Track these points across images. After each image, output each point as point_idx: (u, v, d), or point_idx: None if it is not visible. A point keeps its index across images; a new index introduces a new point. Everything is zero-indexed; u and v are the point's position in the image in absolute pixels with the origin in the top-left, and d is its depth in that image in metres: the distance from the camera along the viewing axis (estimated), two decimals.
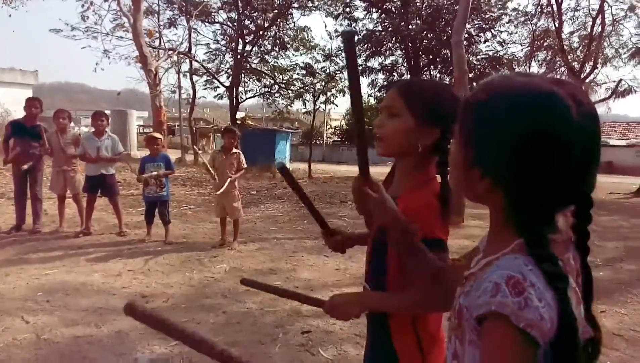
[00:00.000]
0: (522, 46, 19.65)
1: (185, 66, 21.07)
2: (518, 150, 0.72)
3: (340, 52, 18.54)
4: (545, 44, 19.40)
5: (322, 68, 19.15)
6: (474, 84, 15.77)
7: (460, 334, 0.80)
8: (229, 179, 5.75)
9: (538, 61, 20.33)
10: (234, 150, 5.93)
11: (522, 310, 0.67)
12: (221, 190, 5.70)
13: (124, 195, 7.07)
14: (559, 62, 19.13)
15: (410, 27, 15.85)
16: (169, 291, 4.30)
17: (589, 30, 17.77)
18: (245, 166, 6.04)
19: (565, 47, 17.70)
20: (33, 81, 28.36)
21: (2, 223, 6.56)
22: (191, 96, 21.32)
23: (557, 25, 17.25)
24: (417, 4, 16.89)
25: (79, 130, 6.68)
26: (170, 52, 17.21)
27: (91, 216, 6.46)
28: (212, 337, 3.31)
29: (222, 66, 20.82)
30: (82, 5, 16.59)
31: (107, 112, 7.30)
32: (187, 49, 19.64)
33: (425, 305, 1.21)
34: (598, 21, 16.93)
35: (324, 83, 18.53)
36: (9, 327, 3.43)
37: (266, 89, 20.87)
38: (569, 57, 17.76)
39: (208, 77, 20.63)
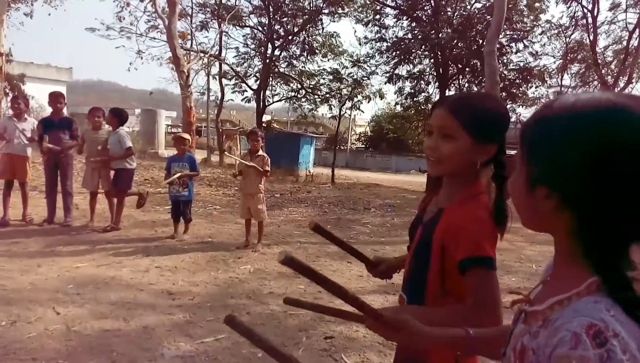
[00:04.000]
0: (554, 58, 19.34)
1: (215, 69, 21.40)
2: (589, 159, 0.66)
3: (367, 58, 18.60)
4: (578, 57, 19.02)
5: (349, 74, 19.23)
6: (504, 94, 15.62)
7: None
8: (249, 163, 5.84)
9: (571, 74, 19.96)
10: (260, 153, 6.00)
11: None
12: (238, 159, 5.75)
13: (152, 193, 7.20)
14: (592, 76, 18.75)
15: (440, 35, 15.74)
16: (194, 289, 4.37)
17: (624, 44, 17.37)
18: (268, 169, 6.08)
19: (599, 61, 17.35)
20: (67, 78, 29.16)
21: (35, 215, 6.75)
22: (219, 98, 21.62)
23: (591, 38, 16.94)
24: (448, 13, 16.79)
25: (108, 127, 6.89)
26: (201, 54, 17.49)
27: (121, 212, 6.62)
28: (236, 337, 3.36)
29: (250, 69, 21.15)
30: (118, 6, 17.04)
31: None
32: (217, 52, 19.94)
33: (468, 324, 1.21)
34: (635, 35, 16.55)
35: (350, 89, 18.56)
36: (41, 317, 3.53)
37: (293, 94, 21.05)
38: (603, 72, 17.39)
39: (237, 80, 20.93)
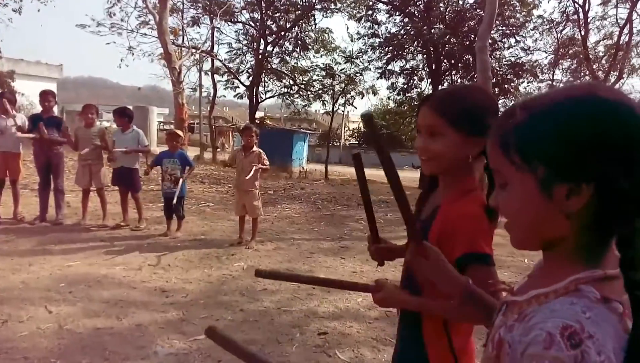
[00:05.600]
0: (546, 53, 19.42)
1: (207, 65, 21.28)
2: (603, 139, 0.66)
3: (360, 54, 18.57)
4: (570, 52, 19.12)
5: (342, 70, 19.21)
6: (496, 90, 15.67)
7: None
8: (253, 168, 5.75)
9: (562, 69, 20.05)
10: (254, 148, 5.98)
11: None
12: (250, 176, 5.71)
13: (144, 190, 7.17)
14: (583, 71, 18.85)
15: (432, 31, 15.75)
16: (188, 286, 4.35)
17: (615, 39, 17.48)
18: (267, 163, 6.06)
19: (591, 56, 17.44)
20: (58, 75, 28.92)
21: (26, 213, 6.70)
22: (211, 95, 21.53)
23: (582, 33, 17.02)
24: (441, 8, 16.80)
25: (101, 124, 6.87)
26: (193, 50, 17.38)
27: (126, 209, 6.63)
28: (230, 333, 3.35)
29: (243, 65, 21.05)
30: (109, 2, 16.87)
31: (129, 107, 7.42)
32: (209, 48, 19.83)
33: (463, 319, 1.21)
34: (625, 30, 16.65)
35: (343, 85, 18.54)
36: (32, 316, 3.51)
37: (286, 90, 21.00)
38: (594, 67, 17.49)
39: (229, 77, 20.83)
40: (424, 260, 1.06)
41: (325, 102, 19.67)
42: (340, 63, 19.41)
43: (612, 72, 17.10)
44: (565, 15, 17.97)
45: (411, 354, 1.32)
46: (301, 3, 19.01)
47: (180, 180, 6.06)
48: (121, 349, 3.08)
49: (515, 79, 16.98)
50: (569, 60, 19.82)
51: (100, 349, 3.07)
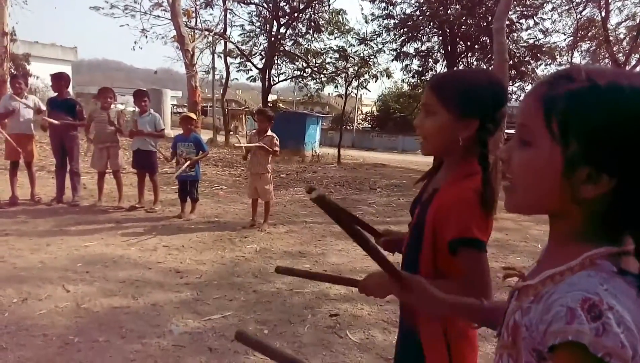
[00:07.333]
0: (565, 35, 18.99)
1: (219, 47, 21.21)
2: None
3: (374, 35, 18.33)
4: (589, 34, 18.64)
5: (355, 52, 19.01)
6: (513, 72, 15.38)
7: (516, 353, 0.73)
8: (257, 144, 5.87)
9: (581, 51, 19.59)
10: (269, 133, 5.97)
11: (601, 336, 0.59)
12: (244, 144, 5.91)
13: (159, 173, 7.23)
14: (602, 54, 18.41)
15: (449, 12, 15.48)
16: (201, 268, 4.42)
17: (637, 20, 16.99)
18: (277, 149, 6.05)
19: (611, 38, 16.99)
20: (72, 57, 29.12)
21: (43, 195, 6.82)
22: (224, 77, 21.49)
23: (603, 14, 16.57)
24: None
25: (115, 107, 6.91)
26: (206, 32, 17.33)
27: (143, 192, 6.72)
28: (242, 314, 3.42)
29: (255, 48, 20.95)
30: None
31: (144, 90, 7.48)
32: (222, 30, 19.74)
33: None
34: None
35: (357, 67, 18.36)
36: (51, 295, 3.59)
37: (299, 72, 20.87)
38: (614, 49, 17.05)
39: (242, 59, 20.76)
40: (409, 294, 1.04)
41: (338, 85, 19.58)
42: (354, 45, 19.22)
43: (633, 54, 16.67)
44: None
45: (406, 340, 1.34)
46: None
47: (188, 161, 6.11)
48: (137, 327, 3.15)
49: (532, 61, 16.65)
50: (588, 42, 19.34)
51: (116, 327, 3.14)
